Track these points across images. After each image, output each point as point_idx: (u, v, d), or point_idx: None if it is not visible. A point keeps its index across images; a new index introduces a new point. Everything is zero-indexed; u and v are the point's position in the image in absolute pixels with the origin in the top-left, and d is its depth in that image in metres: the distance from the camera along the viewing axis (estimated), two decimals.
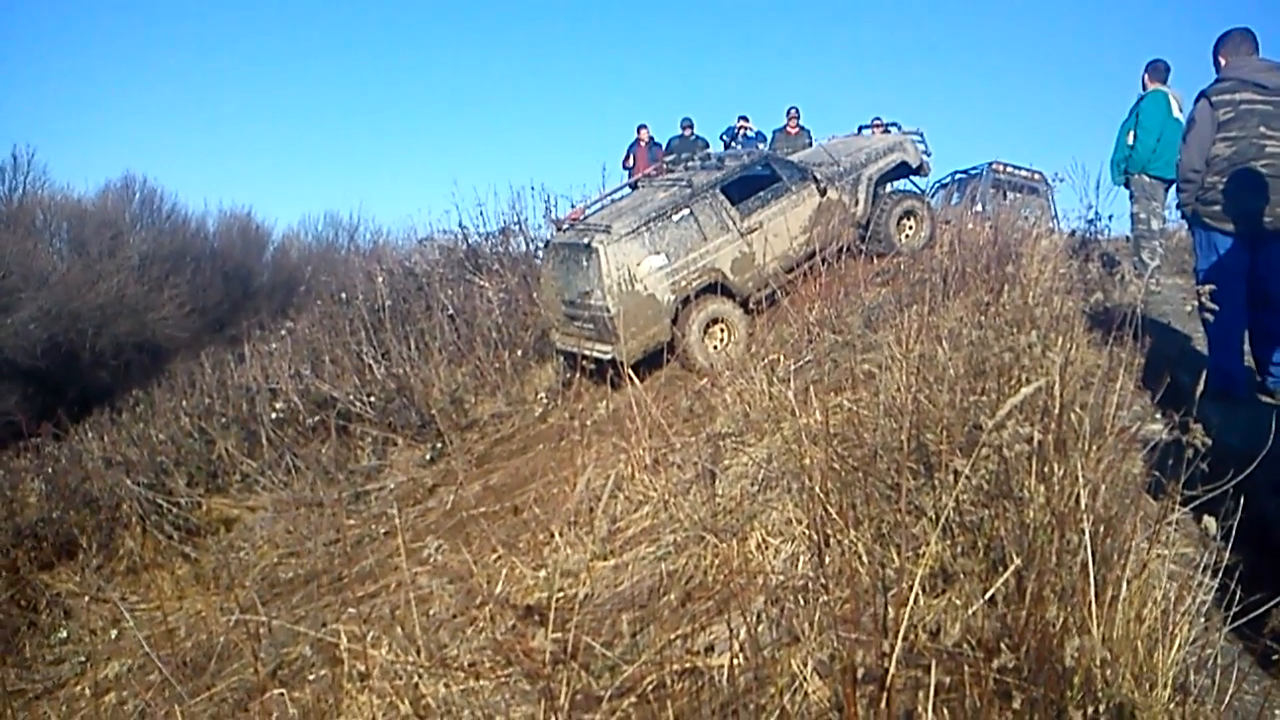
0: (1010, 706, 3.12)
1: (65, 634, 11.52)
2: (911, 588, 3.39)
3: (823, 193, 13.57)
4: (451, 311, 16.07)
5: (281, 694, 5.83)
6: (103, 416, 19.53)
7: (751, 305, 12.76)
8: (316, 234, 54.74)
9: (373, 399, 14.48)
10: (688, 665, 4.23)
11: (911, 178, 15.07)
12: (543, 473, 10.39)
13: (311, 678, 6.71)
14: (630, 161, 21.07)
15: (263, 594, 10.89)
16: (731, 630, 4.50)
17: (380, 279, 18.11)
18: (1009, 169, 22.84)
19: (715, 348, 12.58)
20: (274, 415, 14.77)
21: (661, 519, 6.85)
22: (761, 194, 13.38)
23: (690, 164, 14.38)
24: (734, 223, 12.94)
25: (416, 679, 5.14)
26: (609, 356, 12.46)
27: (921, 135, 15.13)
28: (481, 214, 19.46)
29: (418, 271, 18.34)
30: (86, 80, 79.93)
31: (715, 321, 12.69)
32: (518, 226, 18.71)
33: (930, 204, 14.96)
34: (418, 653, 5.45)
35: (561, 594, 6.11)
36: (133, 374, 33.86)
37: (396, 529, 10.80)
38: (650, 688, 4.05)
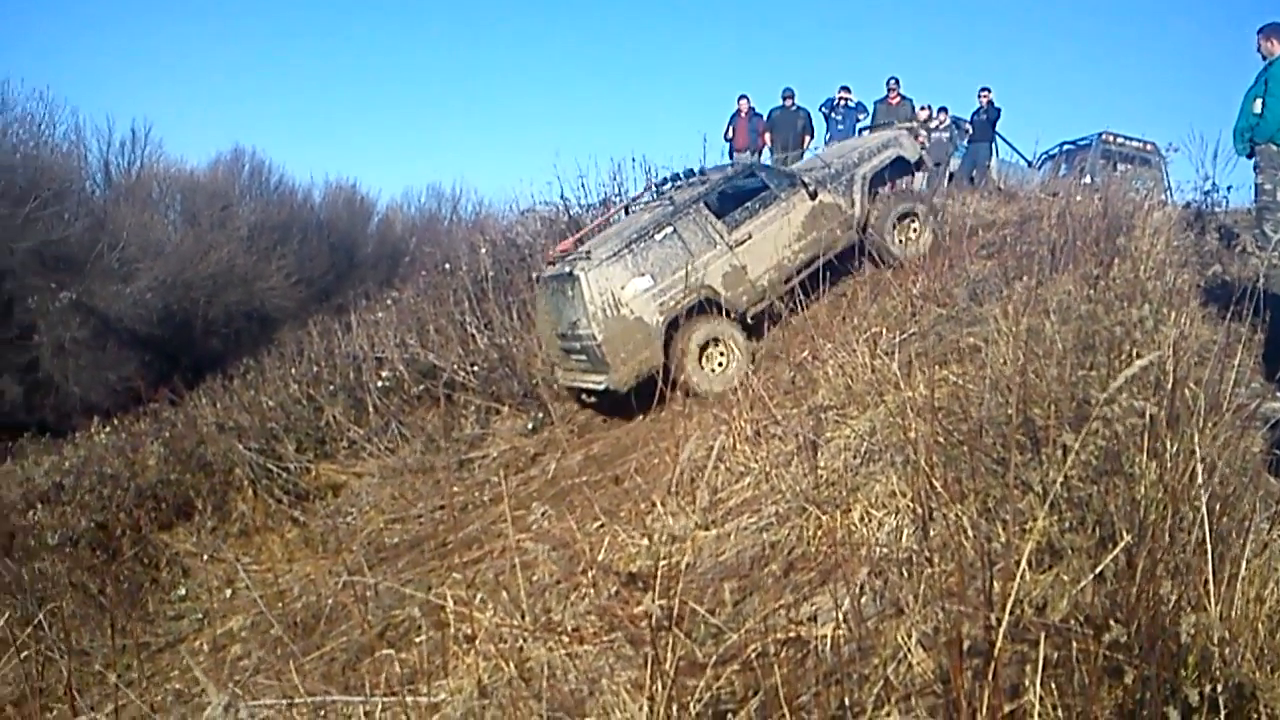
0: (1121, 683, 3.10)
1: (184, 591, 11.94)
2: (1018, 563, 3.37)
3: (813, 196, 12.92)
4: None
5: (390, 654, 5.98)
6: (215, 383, 20.09)
7: (751, 320, 12.37)
8: (419, 206, 55.56)
9: (476, 369, 14.66)
10: (791, 634, 4.26)
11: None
12: (643, 443, 10.46)
13: (418, 639, 6.84)
14: (730, 133, 20.95)
15: (369, 558, 11.15)
16: (835, 601, 4.53)
17: (483, 250, 18.29)
18: (1119, 139, 22.19)
19: (715, 370, 12.04)
20: (380, 384, 15.05)
21: (763, 490, 6.86)
22: (749, 204, 12.79)
23: (678, 184, 13.59)
24: (721, 236, 12.38)
25: (521, 642, 5.23)
26: (602, 387, 12.07)
27: (915, 128, 14.68)
28: (583, 185, 19.51)
29: (520, 242, 18.46)
30: (197, 55, 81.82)
31: (713, 342, 12.12)
32: (619, 198, 18.72)
33: (932, 204, 13.97)
34: (522, 616, 5.55)
35: (664, 562, 6.16)
36: (242, 342, 34.79)
37: (500, 496, 10.95)
38: (754, 656, 4.08)
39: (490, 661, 5.17)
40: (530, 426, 13.43)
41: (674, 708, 3.45)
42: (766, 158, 20.80)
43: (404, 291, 20.08)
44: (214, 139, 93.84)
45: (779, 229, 12.68)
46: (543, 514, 5.90)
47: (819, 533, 5.51)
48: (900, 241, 13.25)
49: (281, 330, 30.68)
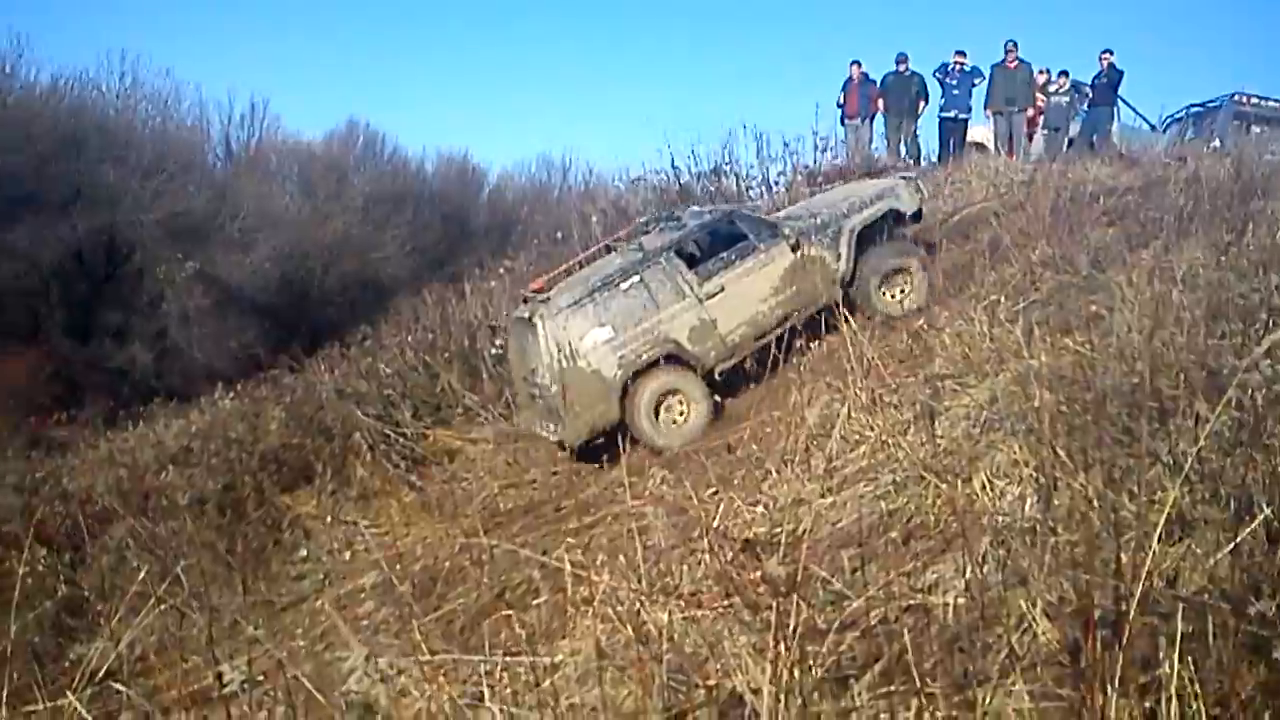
0: (1268, 659, 3.02)
1: (305, 553, 12.29)
2: (1149, 534, 3.31)
3: (795, 248, 12.13)
4: None
5: (509, 615, 6.09)
6: (332, 350, 20.55)
7: (719, 377, 11.85)
8: (530, 175, 55.88)
9: None
10: (912, 602, 4.24)
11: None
12: (755, 411, 10.45)
13: (535, 602, 6.96)
14: (842, 100, 20.69)
15: (484, 523, 11.32)
16: (958, 569, 4.49)
17: (594, 219, 18.40)
18: (1254, 100, 21.31)
19: (673, 423, 11.61)
20: (494, 351, 15.22)
21: (879, 458, 6.83)
22: (724, 255, 12.13)
23: (657, 226, 13.06)
24: (691, 288, 11.81)
25: (639, 606, 5.29)
26: (555, 439, 11.82)
27: (917, 176, 13.43)
28: (693, 154, 19.46)
29: (630, 211, 18.53)
30: (311, 29, 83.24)
31: (671, 393, 11.67)
32: (729, 166, 18.68)
33: (925, 257, 12.58)
34: (639, 581, 5.61)
35: (780, 529, 6.18)
36: (358, 310, 35.45)
37: (614, 464, 11.03)
38: (875, 622, 4.08)
39: (608, 624, 5.24)
40: None
41: (796, 671, 3.46)
42: (880, 124, 20.51)
43: (516, 260, 20.27)
44: (329, 112, 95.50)
45: (755, 282, 11.98)
46: (662, 480, 5.94)
47: (938, 501, 5.47)
48: (888, 299, 12.28)
49: (396, 299, 31.16)
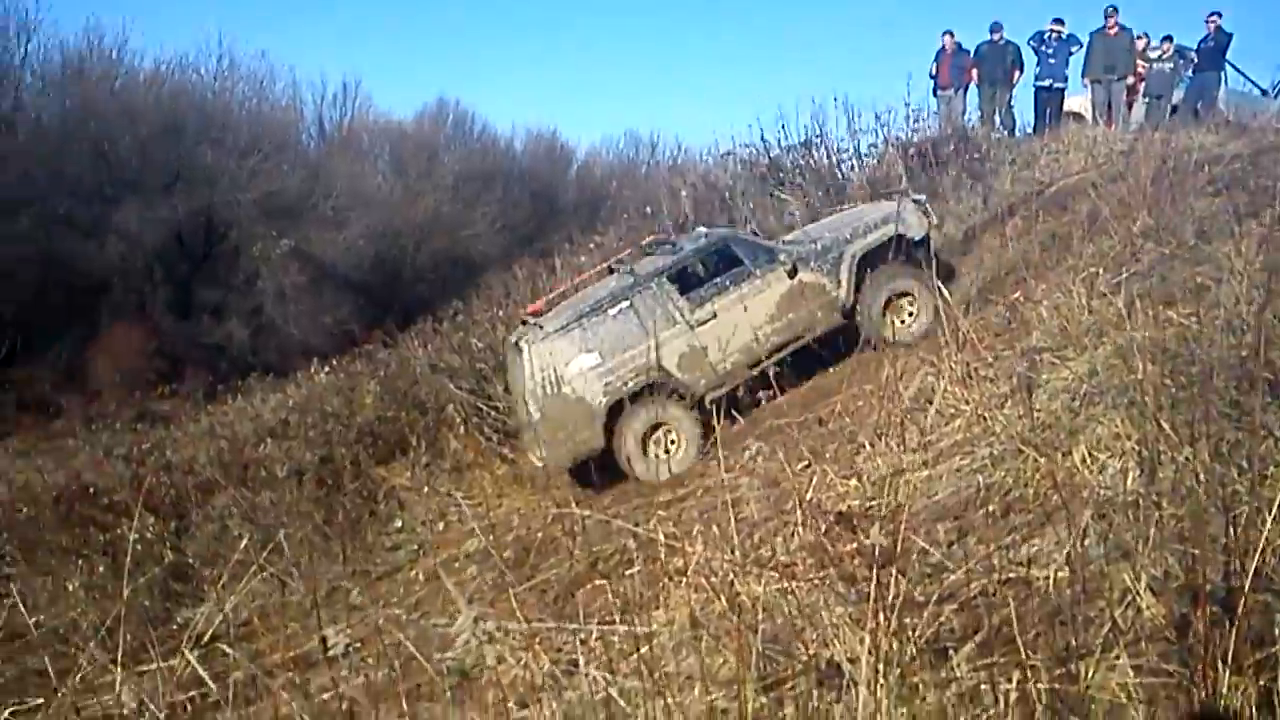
0: None
1: (400, 524, 12.52)
2: (1261, 509, 3.23)
3: (792, 274, 11.83)
4: (754, 226, 16.14)
5: (603, 585, 6.14)
6: (425, 326, 20.83)
7: (710, 405, 11.36)
8: (618, 152, 56.09)
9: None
10: (1012, 575, 4.19)
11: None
12: (847, 385, 10.37)
13: (627, 573, 7.00)
14: (935, 71, 20.34)
15: (575, 496, 11.43)
16: (1058, 542, 4.43)
17: (684, 193, 18.37)
18: None
19: (661, 455, 11.39)
20: None
21: (975, 432, 6.74)
22: (718, 280, 11.85)
23: (658, 249, 12.80)
24: (682, 314, 11.57)
25: (732, 577, 5.30)
26: (540, 464, 11.64)
27: (925, 200, 12.80)
28: (783, 127, 19.29)
29: (720, 185, 18.46)
30: (400, 8, 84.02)
31: (659, 426, 11.49)
32: (819, 139, 18.48)
33: (931, 280, 11.58)
34: (732, 552, 5.62)
35: (874, 502, 6.14)
36: (448, 287, 35.86)
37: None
38: (973, 595, 4.04)
39: (701, 595, 5.26)
40: None
41: (894, 642, 3.44)
42: (973, 95, 20.14)
43: (606, 235, 20.32)
44: (419, 91, 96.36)
45: (750, 309, 11.68)
46: (757, 451, 5.93)
47: (1037, 475, 5.38)
48: (893, 325, 11.91)
49: (486, 275, 31.46)
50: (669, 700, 3.88)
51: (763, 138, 19.26)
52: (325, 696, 6.53)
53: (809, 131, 19.06)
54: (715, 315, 11.57)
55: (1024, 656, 3.23)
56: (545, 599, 7.45)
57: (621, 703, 3.99)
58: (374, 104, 46.94)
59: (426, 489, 12.98)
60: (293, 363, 27.99)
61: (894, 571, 3.86)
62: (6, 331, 32.07)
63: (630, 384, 11.33)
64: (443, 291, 34.33)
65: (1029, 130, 20.04)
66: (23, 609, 9.43)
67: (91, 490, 14.63)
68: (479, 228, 42.07)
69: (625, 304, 11.48)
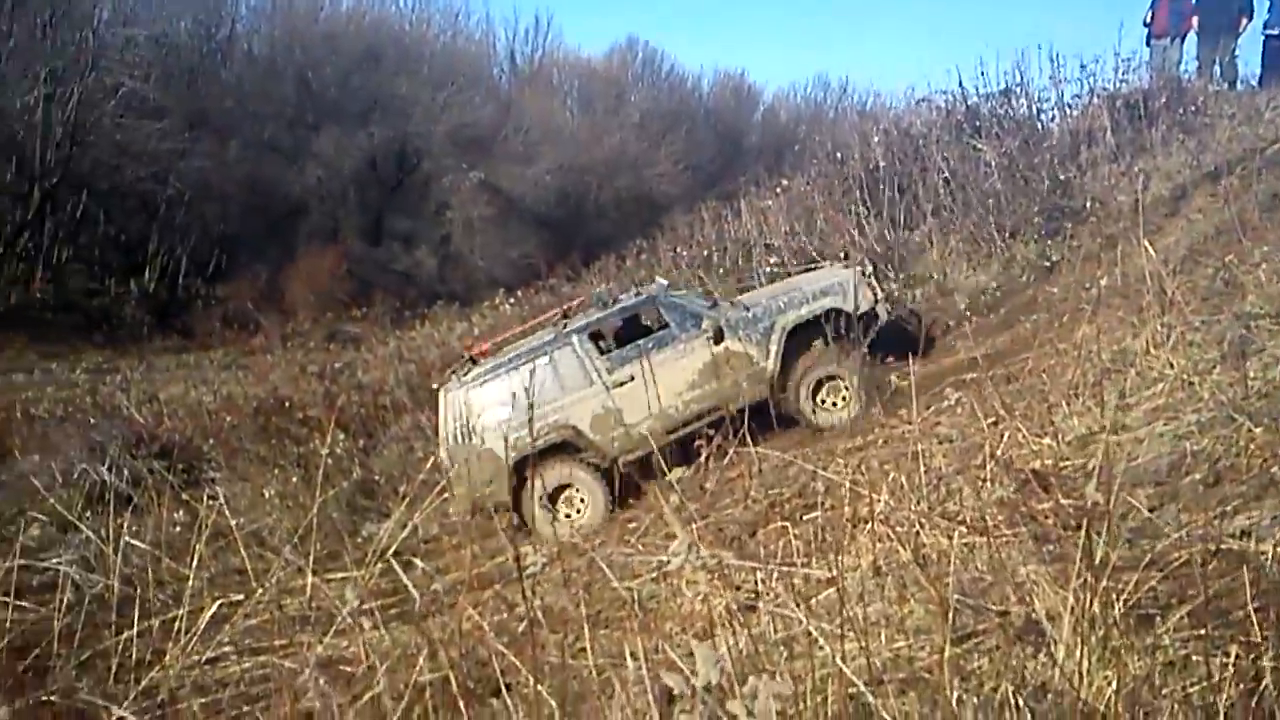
0: None
1: None
2: None
3: (717, 341, 11.33)
4: (946, 175, 15.73)
5: (785, 527, 6.14)
6: (608, 263, 21.05)
7: (623, 469, 10.93)
8: (806, 95, 55.42)
9: (860, 259, 14.56)
10: (1223, 546, 4.03)
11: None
12: (1039, 343, 10.08)
13: (807, 517, 6.98)
14: (1150, 18, 19.28)
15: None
16: (1276, 517, 4.24)
17: (875, 139, 17.97)
18: None
19: (568, 516, 11.10)
20: (768, 269, 15.23)
21: (1179, 397, 6.47)
22: (641, 342, 11.46)
23: (596, 304, 12.29)
24: (600, 374, 11.25)
25: (917, 528, 5.24)
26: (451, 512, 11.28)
27: (871, 274, 11.94)
28: (982, 74, 18.61)
29: (913, 132, 17.98)
30: None
31: (568, 487, 11.19)
32: (1020, 88, 17.79)
33: (863, 364, 11.25)
34: (918, 502, 5.55)
35: (1068, 462, 5.98)
36: (631, 226, 36.11)
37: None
38: (1180, 563, 3.90)
39: (885, 544, 5.21)
40: (911, 326, 13.21)
41: (1098, 604, 3.36)
42: (1191, 44, 19.05)
43: (794, 180, 20.07)
44: (608, 29, 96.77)
45: (670, 374, 11.28)
46: (957, 400, 5.82)
47: (1252, 445, 5.14)
48: (819, 407, 11.33)
49: (669, 215, 31.60)
50: (856, 643, 3.86)
51: (960, 84, 18.65)
52: (504, 616, 6.77)
53: (1009, 79, 18.37)
54: (633, 378, 11.24)
55: (1245, 632, 3.11)
56: (722, 537, 7.48)
57: (814, 641, 3.97)
58: (564, 41, 47.55)
59: None
60: (477, 293, 28.77)
61: (1095, 533, 3.76)
62: (213, 250, 33.88)
63: (541, 441, 11.06)
64: (624, 229, 34.62)
65: (1253, 83, 18.84)
66: (226, 511, 10.04)
67: (287, 405, 15.36)
68: (663, 167, 42.20)
69: (544, 359, 11.26)
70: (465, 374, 11.48)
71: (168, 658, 6.92)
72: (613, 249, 24.07)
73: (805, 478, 8.28)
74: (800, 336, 11.40)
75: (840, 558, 5.61)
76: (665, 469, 6.63)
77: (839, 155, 18.72)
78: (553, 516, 10.91)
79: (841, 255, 13.47)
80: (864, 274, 11.68)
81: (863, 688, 3.33)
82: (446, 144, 36.94)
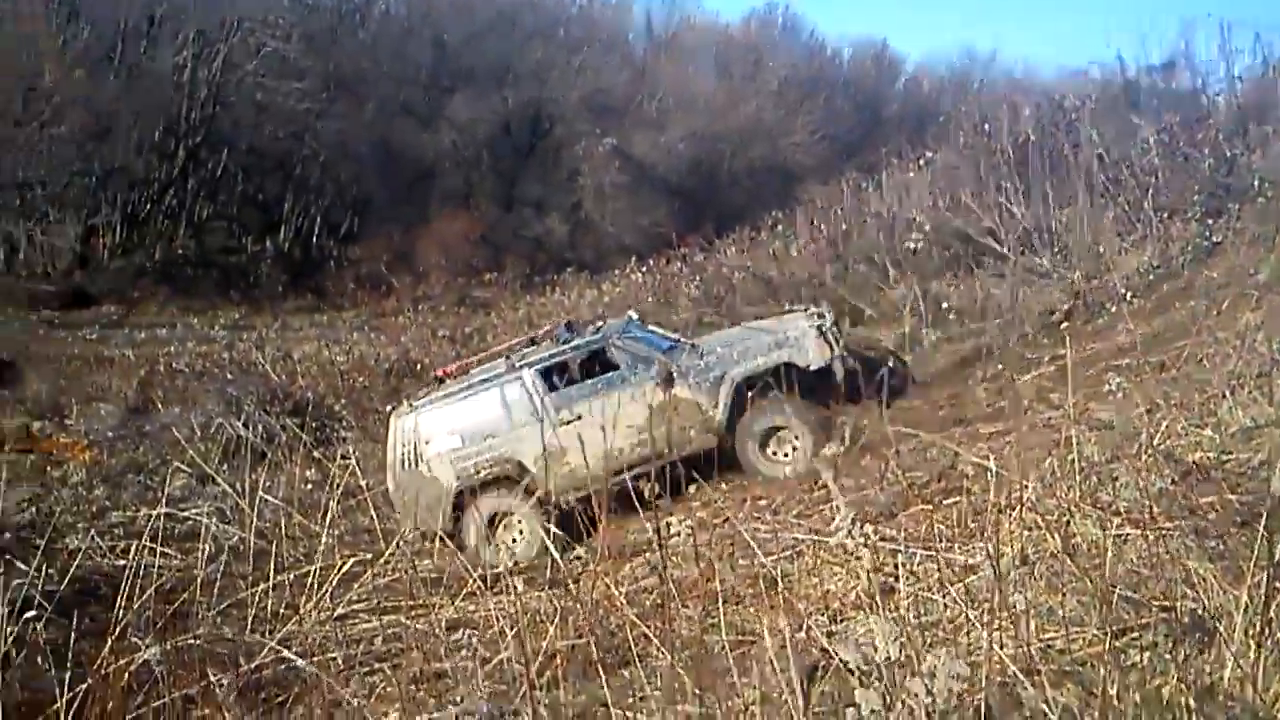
0: None
1: None
2: None
3: (666, 387, 10.99)
4: (1101, 150, 15.16)
5: (927, 510, 6.02)
6: (742, 233, 20.89)
7: (564, 507, 10.61)
8: (950, 65, 54.33)
9: (1009, 237, 14.17)
10: None
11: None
12: (1196, 330, 9.70)
13: (947, 501, 6.83)
14: None
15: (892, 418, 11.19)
16: None
17: (1026, 112, 17.40)
18: None
19: (506, 545, 10.85)
20: (910, 245, 14.91)
21: None
22: (591, 382, 11.23)
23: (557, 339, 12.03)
24: (548, 411, 11.02)
25: (1068, 517, 5.08)
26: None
27: (829, 328, 11.35)
28: (1143, 46, 17.95)
29: (1066, 106, 17.36)
30: None
31: (506, 515, 10.97)
32: (1185, 60, 17.12)
33: (813, 417, 10.93)
34: (1068, 490, 5.38)
35: (1232, 456, 5.74)
36: (763, 196, 35.81)
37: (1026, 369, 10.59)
38: None
39: (1033, 531, 5.06)
40: (1064, 308, 12.80)
41: (1273, 605, 3.19)
42: None
43: (939, 152, 19.58)
44: None
45: (618, 416, 10.71)
46: (1118, 385, 5.60)
47: None
48: (767, 458, 10.99)
49: (802, 186, 31.24)
50: (999, 633, 3.74)
51: (1119, 57, 18.03)
52: (635, 587, 6.78)
53: (1174, 50, 17.66)
54: (580, 416, 11.00)
55: None
56: (861, 520, 7.37)
57: (959, 627, 3.88)
58: (701, 6, 47.28)
59: None
60: (607, 260, 28.86)
61: (1256, 529, 3.58)
62: (346, 211, 34.67)
63: (484, 473, 10.99)
64: (757, 200, 34.35)
65: None
66: (357, 471, 10.26)
67: (419, 367, 15.60)
68: (799, 137, 41.71)
69: (495, 392, 11.18)
70: (417, 399, 11.55)
71: (301, 612, 7.12)
72: (746, 219, 23.84)
73: (944, 462, 8.13)
74: (752, 386, 11.07)
75: (978, 544, 5.48)
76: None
77: (987, 128, 18.17)
78: (491, 544, 10.84)
79: (808, 303, 13.11)
80: (821, 329, 11.29)
81: (1022, 677, 3.22)
82: (580, 109, 37.09)
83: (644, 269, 19.54)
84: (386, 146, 35.05)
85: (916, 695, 2.30)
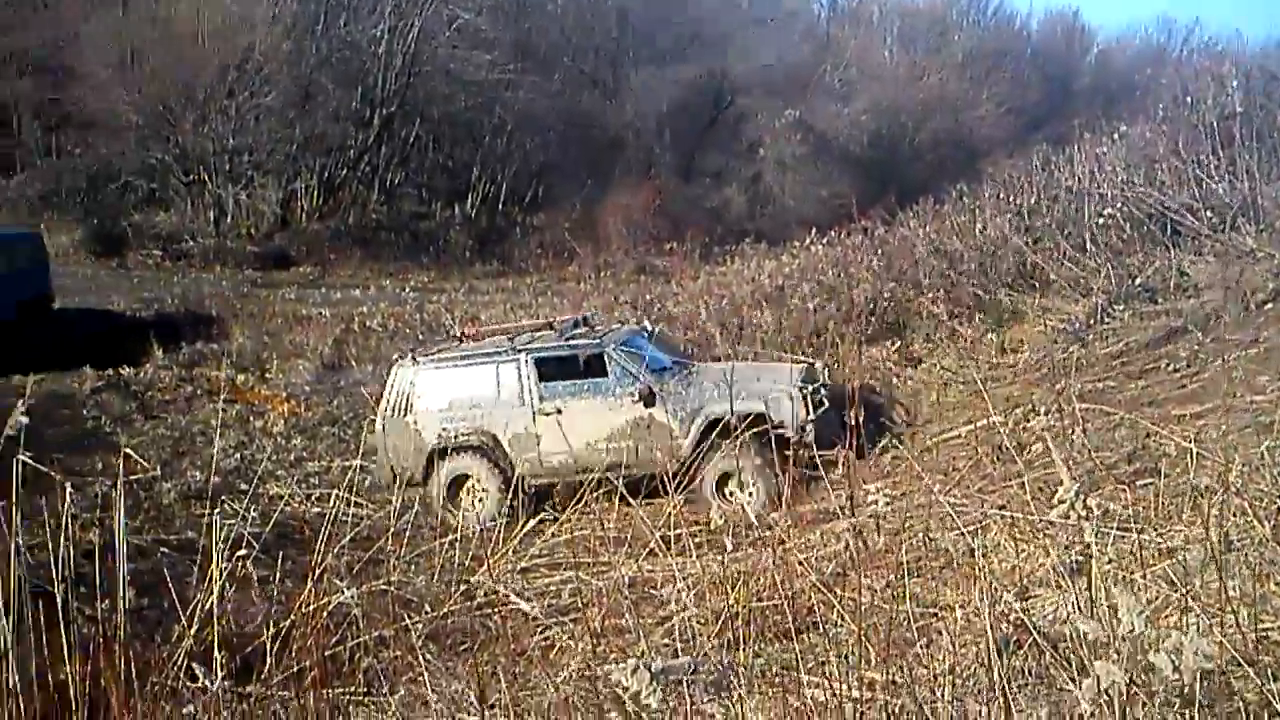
0: None
1: (882, 401, 12.54)
2: None
3: (646, 404, 11.38)
4: None
5: (1122, 488, 5.89)
6: (925, 207, 20.51)
7: (531, 489, 11.23)
8: (1144, 37, 52.47)
9: (1208, 213, 13.57)
10: None
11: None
12: None
13: (1140, 483, 6.66)
14: None
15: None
16: None
17: (1233, 83, 16.54)
18: None
19: (472, 506, 11.60)
20: (1101, 221, 14.45)
21: None
22: (579, 382, 11.77)
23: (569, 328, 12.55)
24: (533, 398, 11.64)
25: (1277, 503, 4.91)
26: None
27: (813, 391, 11.20)
28: None
29: None
30: None
31: (468, 478, 11.66)
32: None
33: (770, 470, 10.74)
34: (1276, 476, 5.20)
35: None
36: (945, 170, 35.14)
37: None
38: None
39: (1240, 516, 4.90)
40: (1269, 288, 12.19)
41: None
42: None
43: (1134, 126, 18.83)
44: None
45: (594, 420, 11.54)
46: None
47: None
48: (723, 498, 11.01)
49: (986, 160, 30.47)
50: (1198, 619, 3.64)
51: None
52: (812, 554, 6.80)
53: None
54: (560, 411, 11.56)
55: None
56: (1041, 496, 7.22)
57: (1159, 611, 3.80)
58: None
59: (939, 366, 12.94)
60: (785, 232, 28.74)
61: None
62: (531, 180, 35.44)
63: (460, 438, 11.69)
64: (939, 173, 33.74)
65: None
66: None
67: None
68: (984, 109, 40.81)
69: (491, 368, 11.86)
70: (424, 354, 12.27)
71: (485, 565, 7.40)
72: (927, 193, 23.45)
73: (1135, 442, 7.89)
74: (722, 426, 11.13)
75: (1177, 528, 5.33)
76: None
77: (1188, 100, 17.37)
78: (453, 504, 11.62)
79: (804, 361, 13.01)
80: (804, 391, 11.33)
81: (1246, 667, 3.13)
82: (763, 80, 36.93)
83: (824, 241, 19.34)
84: (572, 116, 35.65)
85: (1161, 671, 2.28)
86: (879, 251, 16.74)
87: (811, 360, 12.70)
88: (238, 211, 29.03)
